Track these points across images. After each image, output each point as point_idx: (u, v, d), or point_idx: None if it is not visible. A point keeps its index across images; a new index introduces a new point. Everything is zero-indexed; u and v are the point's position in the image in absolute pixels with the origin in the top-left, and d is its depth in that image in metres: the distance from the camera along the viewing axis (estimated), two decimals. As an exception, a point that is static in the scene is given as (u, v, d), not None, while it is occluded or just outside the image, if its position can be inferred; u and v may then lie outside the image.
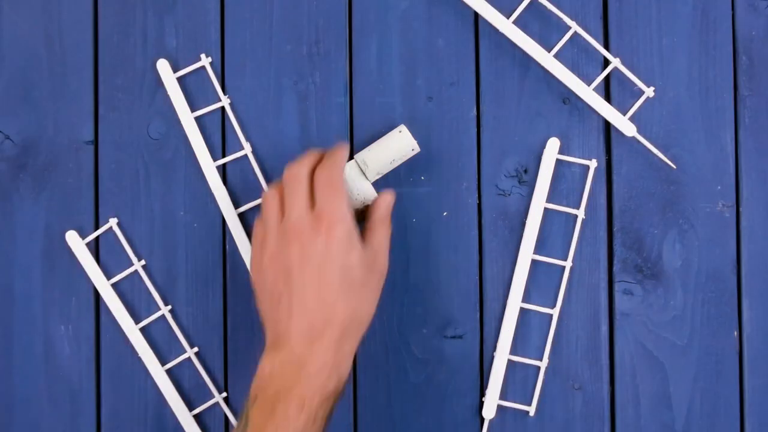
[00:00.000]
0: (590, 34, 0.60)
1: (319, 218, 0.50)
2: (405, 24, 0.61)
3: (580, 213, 0.59)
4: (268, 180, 0.60)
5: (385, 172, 0.57)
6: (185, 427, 0.59)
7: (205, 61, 0.60)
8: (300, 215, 0.50)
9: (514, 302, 0.59)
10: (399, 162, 0.57)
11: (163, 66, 0.60)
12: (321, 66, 0.61)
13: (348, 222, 0.50)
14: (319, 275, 0.49)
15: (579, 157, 0.60)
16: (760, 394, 0.60)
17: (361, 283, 0.50)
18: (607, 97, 0.60)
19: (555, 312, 0.59)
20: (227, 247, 0.60)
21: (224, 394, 0.60)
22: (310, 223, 0.50)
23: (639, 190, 0.60)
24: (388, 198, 0.54)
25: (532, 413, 0.59)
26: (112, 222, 0.60)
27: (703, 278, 0.60)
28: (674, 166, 0.59)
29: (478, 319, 0.60)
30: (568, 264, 0.59)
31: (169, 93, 0.60)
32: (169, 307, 0.60)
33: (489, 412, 0.59)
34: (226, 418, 0.60)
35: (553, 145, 0.59)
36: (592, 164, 0.59)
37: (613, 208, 0.60)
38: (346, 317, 0.49)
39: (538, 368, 0.59)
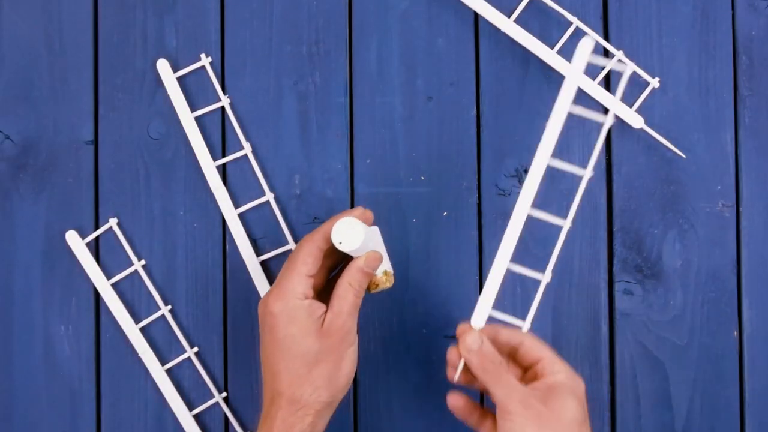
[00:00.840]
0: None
1: (267, 296, 0.52)
2: (405, 24, 0.61)
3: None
4: (268, 180, 0.60)
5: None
6: (185, 427, 0.59)
7: (205, 60, 0.60)
8: (264, 296, 0.53)
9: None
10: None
11: (163, 66, 0.60)
12: (321, 66, 0.61)
13: (288, 296, 0.50)
14: (267, 351, 0.51)
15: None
16: (760, 395, 0.60)
17: (312, 351, 0.50)
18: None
19: (565, 225, 0.52)
20: (227, 247, 0.60)
21: (224, 394, 0.60)
22: (263, 301, 0.52)
23: (639, 190, 0.60)
24: (359, 263, 0.52)
25: (525, 329, 0.52)
26: (112, 222, 0.60)
27: (703, 278, 0.60)
28: (684, 156, 0.59)
29: (478, 319, 0.60)
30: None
31: (169, 93, 0.60)
32: (169, 307, 0.60)
33: (478, 321, 0.52)
34: (226, 418, 0.60)
35: (587, 43, 0.49)
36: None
37: (613, 208, 0.61)
38: (291, 386, 0.50)
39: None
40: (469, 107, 0.61)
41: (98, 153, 0.61)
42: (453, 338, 0.60)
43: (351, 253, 0.52)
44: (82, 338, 0.60)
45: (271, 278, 0.60)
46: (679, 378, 0.60)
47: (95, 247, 0.60)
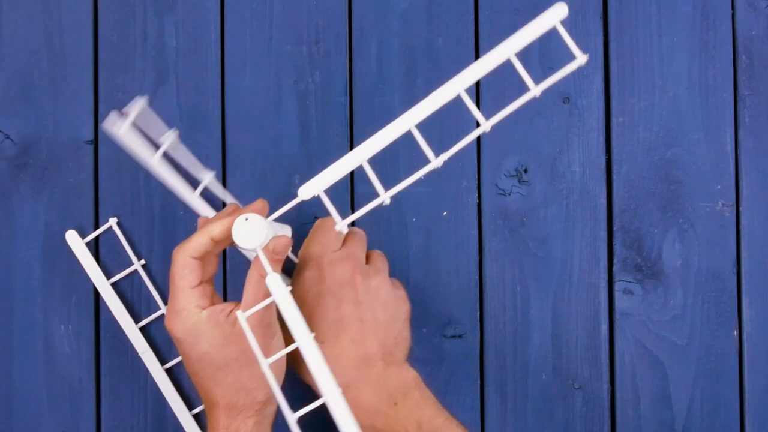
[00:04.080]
0: (590, 34, 0.60)
1: (166, 319, 0.49)
2: (405, 24, 0.61)
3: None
4: (268, 179, 0.60)
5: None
6: (185, 427, 0.59)
7: (112, 221, 0.59)
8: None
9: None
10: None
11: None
12: (321, 66, 0.61)
13: (182, 315, 0.48)
14: (190, 370, 0.50)
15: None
16: (760, 394, 0.60)
17: (231, 359, 0.48)
18: (607, 98, 0.61)
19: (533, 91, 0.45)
20: (227, 246, 0.60)
21: (224, 394, 0.60)
22: (165, 324, 0.50)
23: (639, 189, 0.61)
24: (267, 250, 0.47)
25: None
26: (112, 221, 0.60)
27: (703, 278, 0.60)
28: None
29: (478, 318, 0.60)
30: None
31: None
32: (169, 306, 0.60)
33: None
34: (226, 417, 0.60)
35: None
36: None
37: (613, 208, 0.61)
38: (225, 396, 0.49)
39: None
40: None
41: (98, 153, 0.61)
42: (453, 338, 0.60)
43: (256, 249, 0.47)
44: (82, 338, 0.60)
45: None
46: (679, 378, 0.60)
47: (95, 247, 0.60)
